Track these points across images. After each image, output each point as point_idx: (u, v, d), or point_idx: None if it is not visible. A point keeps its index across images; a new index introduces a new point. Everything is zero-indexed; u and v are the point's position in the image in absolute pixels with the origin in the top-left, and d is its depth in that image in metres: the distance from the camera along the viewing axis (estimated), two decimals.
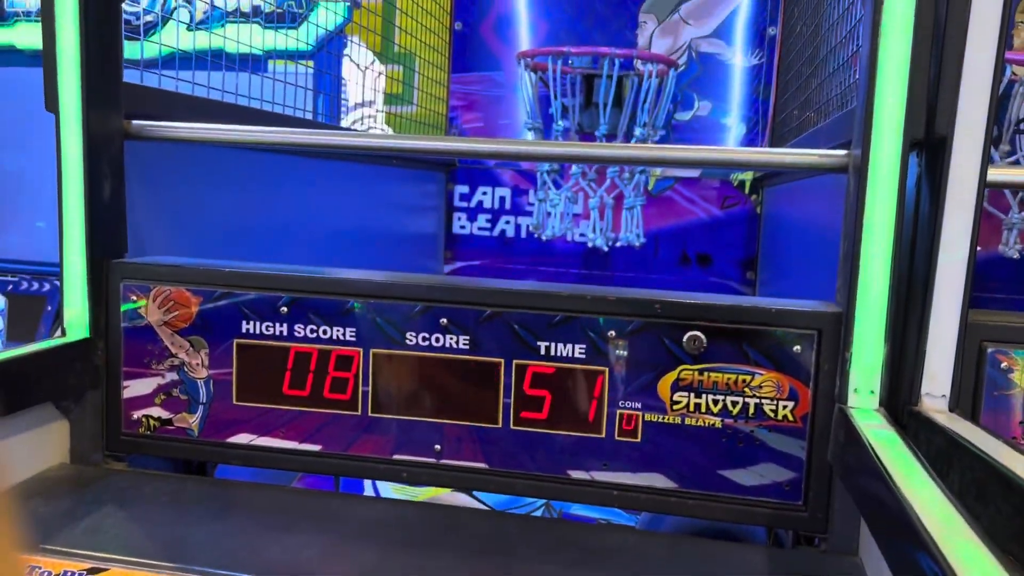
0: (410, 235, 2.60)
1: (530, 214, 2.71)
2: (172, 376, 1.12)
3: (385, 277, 1.09)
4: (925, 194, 0.96)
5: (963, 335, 0.94)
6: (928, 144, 0.94)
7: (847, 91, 1.37)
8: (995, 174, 0.98)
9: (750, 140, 2.58)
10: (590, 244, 2.40)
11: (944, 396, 0.94)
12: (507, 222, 2.76)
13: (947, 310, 0.95)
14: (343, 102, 2.36)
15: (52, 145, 1.09)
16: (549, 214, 2.47)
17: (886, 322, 0.94)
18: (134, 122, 1.16)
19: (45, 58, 1.07)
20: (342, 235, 2.04)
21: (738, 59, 2.55)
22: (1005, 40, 0.93)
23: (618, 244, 2.40)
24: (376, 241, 2.28)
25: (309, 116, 1.90)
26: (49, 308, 2.65)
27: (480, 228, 2.77)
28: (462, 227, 2.78)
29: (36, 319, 2.66)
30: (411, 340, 1.06)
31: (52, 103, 1.08)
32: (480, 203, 2.76)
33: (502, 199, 2.76)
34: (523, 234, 2.74)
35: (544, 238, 2.47)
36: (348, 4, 2.40)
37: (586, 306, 1.03)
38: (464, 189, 2.77)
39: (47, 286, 2.65)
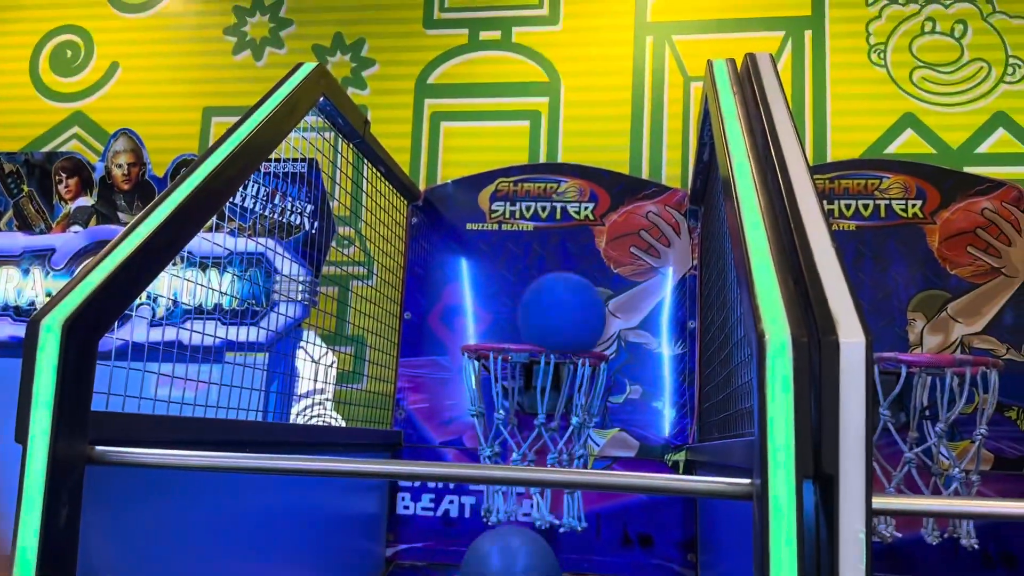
0: (353, 516, 2.61)
1: (473, 494, 2.76)
2: None
3: None
4: (823, 521, 1.08)
5: None
6: (818, 478, 1.07)
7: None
8: (880, 503, 1.11)
9: (680, 421, 2.73)
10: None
11: None
12: (451, 502, 2.79)
13: None
14: (295, 389, 2.48)
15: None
16: (494, 493, 2.52)
17: None
18: (97, 448, 1.24)
19: (21, 397, 1.17)
20: (284, 517, 2.05)
21: (664, 349, 2.77)
22: (874, 388, 1.10)
23: (561, 530, 2.44)
24: (319, 523, 2.29)
25: (260, 416, 2.00)
26: None
27: (424, 508, 2.79)
28: (406, 507, 2.80)
29: None
30: None
31: (23, 436, 1.16)
32: (424, 483, 2.80)
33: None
34: (467, 514, 2.77)
35: (491, 522, 2.49)
36: (304, 304, 2.60)
37: None
38: None
39: None
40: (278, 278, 2.59)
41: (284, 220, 2.73)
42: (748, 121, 1.69)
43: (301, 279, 2.64)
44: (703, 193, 2.71)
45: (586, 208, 2.91)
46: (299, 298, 2.58)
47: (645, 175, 3.10)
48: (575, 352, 2.43)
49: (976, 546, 2.18)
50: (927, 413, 2.30)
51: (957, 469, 2.21)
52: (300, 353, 2.49)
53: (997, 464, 2.54)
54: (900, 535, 2.18)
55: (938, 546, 2.22)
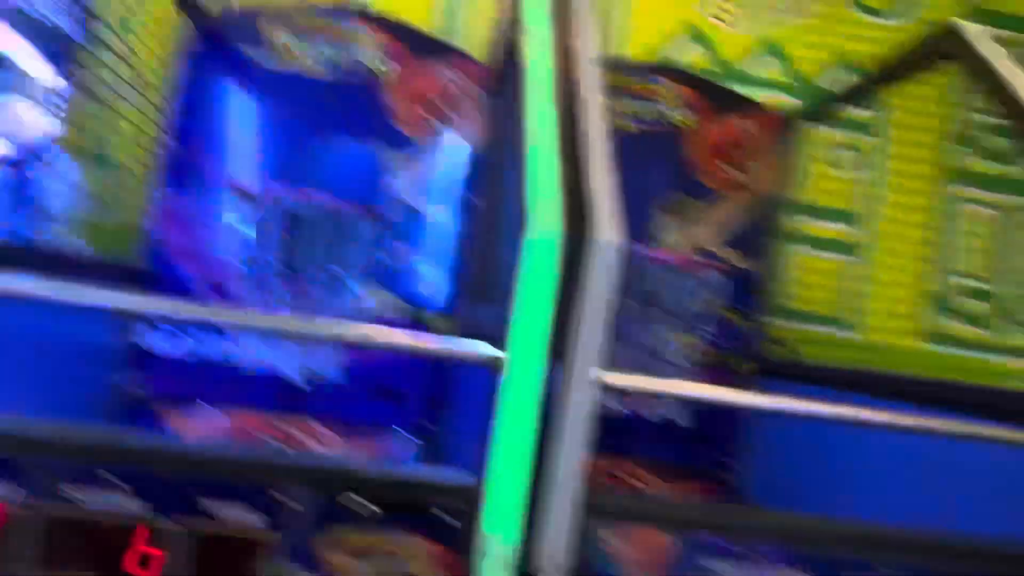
0: (88, 347, 2.47)
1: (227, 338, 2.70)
2: None
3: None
4: (557, 393, 1.18)
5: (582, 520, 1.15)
6: (557, 354, 1.17)
7: None
8: (610, 380, 1.23)
9: (448, 288, 2.82)
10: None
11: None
12: (200, 342, 2.72)
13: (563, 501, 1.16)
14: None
15: None
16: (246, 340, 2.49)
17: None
18: None
19: None
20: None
21: (442, 217, 2.81)
22: (620, 280, 1.19)
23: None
24: (45, 351, 2.15)
25: None
26: None
27: (170, 346, 2.70)
28: (151, 344, 2.69)
29: None
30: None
31: None
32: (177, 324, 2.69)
33: None
34: (217, 358, 2.71)
35: (238, 367, 2.46)
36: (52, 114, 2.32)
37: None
38: None
39: None
40: (21, 79, 2.28)
41: (32, 12, 2.38)
42: (554, 5, 1.69)
43: (49, 85, 2.34)
44: (502, 71, 2.70)
45: (385, 63, 2.81)
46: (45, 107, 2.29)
47: (451, 40, 3.02)
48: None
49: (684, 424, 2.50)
50: (665, 307, 2.55)
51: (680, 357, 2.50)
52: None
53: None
54: (627, 412, 2.44)
55: (657, 423, 2.52)
